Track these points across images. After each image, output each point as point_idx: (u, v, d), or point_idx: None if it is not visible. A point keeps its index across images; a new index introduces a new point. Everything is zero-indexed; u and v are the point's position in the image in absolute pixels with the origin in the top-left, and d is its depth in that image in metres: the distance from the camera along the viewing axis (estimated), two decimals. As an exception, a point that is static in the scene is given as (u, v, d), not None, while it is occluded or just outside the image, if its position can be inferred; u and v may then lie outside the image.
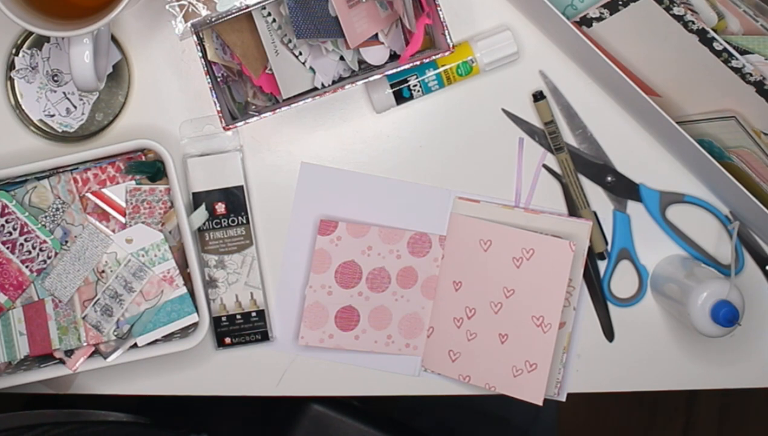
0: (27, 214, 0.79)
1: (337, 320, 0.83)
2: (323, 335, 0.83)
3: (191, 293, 0.80)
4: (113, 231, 0.80)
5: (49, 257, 0.80)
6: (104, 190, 0.81)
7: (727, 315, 0.75)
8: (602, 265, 0.85)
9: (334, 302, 0.83)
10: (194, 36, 0.73)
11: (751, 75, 0.70)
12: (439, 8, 0.73)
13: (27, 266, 0.80)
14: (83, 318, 0.80)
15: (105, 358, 0.79)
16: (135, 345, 0.79)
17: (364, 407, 1.14)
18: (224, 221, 0.82)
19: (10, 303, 0.80)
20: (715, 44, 0.70)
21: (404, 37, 0.79)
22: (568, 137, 0.84)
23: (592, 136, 0.84)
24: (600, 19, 0.75)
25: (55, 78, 0.82)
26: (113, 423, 0.98)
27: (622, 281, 0.85)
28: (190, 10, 0.71)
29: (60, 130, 0.83)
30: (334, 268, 0.83)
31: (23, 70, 0.82)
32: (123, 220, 0.81)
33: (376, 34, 0.77)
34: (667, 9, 0.70)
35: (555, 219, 0.82)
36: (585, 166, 0.84)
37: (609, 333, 0.85)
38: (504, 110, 0.84)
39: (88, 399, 0.86)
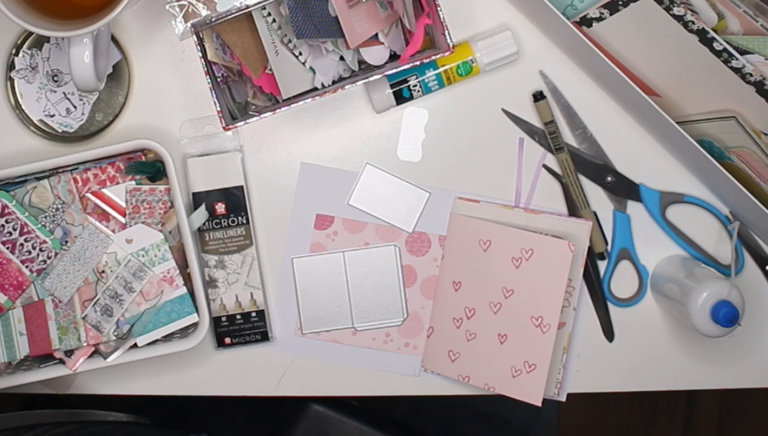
0: (27, 214, 0.79)
1: (337, 320, 0.83)
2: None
3: (191, 293, 0.80)
4: (113, 231, 0.80)
5: (49, 257, 0.80)
6: (104, 191, 0.81)
7: (727, 315, 0.75)
8: (602, 265, 0.85)
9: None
10: (194, 36, 0.73)
11: (751, 75, 0.69)
12: (439, 8, 0.73)
13: (27, 266, 0.80)
14: (83, 318, 0.80)
15: (105, 358, 0.79)
16: (135, 345, 0.79)
17: (364, 407, 1.14)
18: (224, 221, 0.82)
19: (10, 303, 0.80)
20: (715, 44, 0.70)
21: (404, 37, 0.79)
22: (568, 137, 0.84)
23: (592, 136, 0.84)
24: (600, 19, 0.75)
25: (55, 78, 0.82)
26: (113, 423, 0.98)
27: (622, 281, 0.85)
28: (190, 10, 0.71)
29: (60, 130, 0.83)
30: (334, 268, 0.83)
31: (23, 70, 0.82)
32: (123, 220, 0.81)
33: (376, 34, 0.77)
34: (667, 9, 0.70)
35: (555, 219, 0.82)
36: (585, 166, 0.84)
37: (609, 333, 0.85)
38: (504, 110, 0.84)
39: (88, 399, 0.86)
